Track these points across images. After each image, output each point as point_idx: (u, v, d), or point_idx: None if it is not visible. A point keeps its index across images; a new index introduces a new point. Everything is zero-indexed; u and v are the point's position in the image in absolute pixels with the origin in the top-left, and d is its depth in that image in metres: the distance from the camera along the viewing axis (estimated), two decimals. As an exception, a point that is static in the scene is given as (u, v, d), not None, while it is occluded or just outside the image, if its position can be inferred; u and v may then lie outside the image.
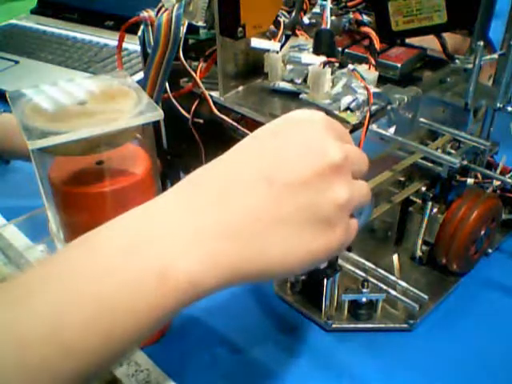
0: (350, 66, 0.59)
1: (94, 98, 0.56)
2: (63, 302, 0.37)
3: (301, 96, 0.61)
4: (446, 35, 0.69)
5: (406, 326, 0.66)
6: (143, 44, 0.67)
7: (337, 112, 0.58)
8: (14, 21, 1.55)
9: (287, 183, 0.42)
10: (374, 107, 0.59)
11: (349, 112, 0.58)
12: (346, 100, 0.58)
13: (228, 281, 0.41)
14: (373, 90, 0.59)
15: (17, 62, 1.32)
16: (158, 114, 0.54)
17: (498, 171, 0.76)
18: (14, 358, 0.35)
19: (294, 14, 0.67)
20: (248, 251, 0.41)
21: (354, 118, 0.57)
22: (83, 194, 0.54)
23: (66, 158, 0.57)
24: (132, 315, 0.38)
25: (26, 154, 0.51)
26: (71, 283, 0.38)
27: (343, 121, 0.57)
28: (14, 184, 0.92)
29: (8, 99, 0.55)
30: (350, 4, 0.69)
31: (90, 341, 0.37)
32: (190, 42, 0.70)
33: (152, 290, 0.38)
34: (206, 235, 0.40)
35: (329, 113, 0.58)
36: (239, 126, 0.63)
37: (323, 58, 0.61)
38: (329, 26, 0.64)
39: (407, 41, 0.69)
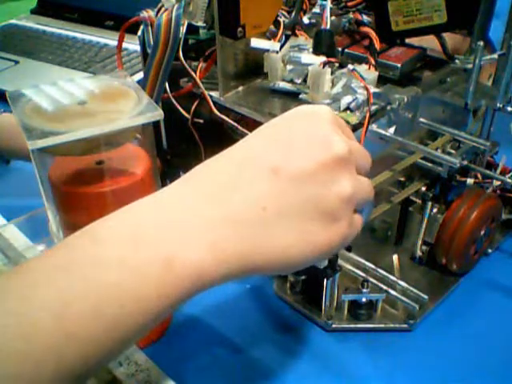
0: (350, 66, 0.59)
1: (93, 97, 0.56)
2: (69, 291, 0.37)
3: (300, 96, 0.61)
4: (446, 35, 0.69)
5: (405, 326, 0.66)
6: (143, 44, 0.67)
7: (336, 112, 0.58)
8: (13, 21, 1.54)
9: (292, 174, 0.43)
10: (373, 107, 0.59)
11: (348, 112, 0.58)
12: (345, 100, 0.58)
13: (232, 271, 0.41)
14: (373, 90, 0.59)
15: (17, 62, 1.32)
16: (157, 114, 0.53)
17: (498, 171, 0.76)
18: (19, 345, 0.35)
19: (293, 14, 0.67)
20: (253, 241, 0.42)
21: (353, 118, 0.57)
22: (83, 194, 0.54)
23: (66, 158, 0.57)
24: (137, 303, 0.38)
25: (26, 154, 0.51)
26: (76, 272, 0.38)
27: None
28: (14, 184, 0.91)
29: (8, 99, 0.55)
30: (349, 4, 0.69)
31: (95, 329, 0.37)
32: (190, 42, 0.70)
33: (158, 278, 0.39)
34: (212, 224, 0.41)
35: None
36: (239, 126, 0.63)
37: (323, 58, 0.61)
38: (329, 26, 0.64)
39: (407, 41, 0.69)
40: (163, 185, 0.44)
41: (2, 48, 1.38)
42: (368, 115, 0.56)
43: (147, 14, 0.65)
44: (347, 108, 0.58)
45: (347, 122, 0.57)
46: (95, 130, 0.50)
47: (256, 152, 0.44)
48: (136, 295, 0.38)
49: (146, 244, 0.39)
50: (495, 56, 0.65)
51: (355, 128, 0.57)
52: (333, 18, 0.72)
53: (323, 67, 0.59)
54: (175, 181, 0.44)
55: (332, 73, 0.60)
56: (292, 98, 0.62)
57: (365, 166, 0.49)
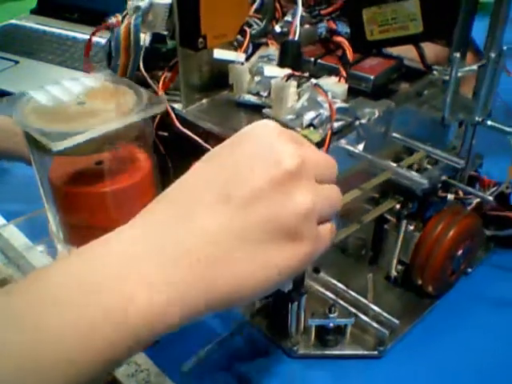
0: (313, 80, 0.54)
1: (95, 96, 0.55)
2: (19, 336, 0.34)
3: (264, 110, 0.56)
4: (428, 45, 0.65)
5: (375, 352, 0.62)
6: (109, 51, 0.64)
7: (299, 129, 0.53)
8: (13, 21, 1.52)
9: (243, 198, 0.39)
10: (339, 123, 0.55)
11: (311, 128, 0.54)
12: (308, 116, 0.53)
13: (193, 310, 0.38)
14: (339, 104, 0.54)
15: (17, 62, 1.29)
16: (162, 106, 0.54)
17: (483, 185, 0.72)
18: None
19: (264, 22, 0.63)
20: (208, 276, 0.38)
21: (316, 136, 0.53)
22: (83, 194, 0.54)
23: (66, 159, 0.56)
24: (91, 352, 0.35)
25: (19, 155, 0.49)
26: (40, 315, 0.35)
27: (305, 138, 0.53)
28: (14, 184, 0.89)
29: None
30: (323, 12, 0.65)
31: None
32: (163, 50, 0.67)
33: (115, 324, 0.36)
34: (165, 265, 0.38)
35: (291, 129, 0.54)
36: (202, 142, 0.59)
37: (288, 71, 0.56)
38: (297, 37, 0.60)
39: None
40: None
41: (2, 48, 1.36)
42: (329, 133, 0.52)
43: (115, 19, 0.63)
44: (310, 124, 0.54)
45: (309, 140, 0.53)
46: (110, 125, 0.50)
47: (204, 182, 0.41)
48: (85, 343, 0.35)
49: (100, 290, 0.36)
50: (474, 67, 0.61)
51: (319, 145, 0.53)
52: (307, 26, 0.68)
53: (286, 81, 0.55)
54: (130, 221, 0.41)
55: (299, 85, 0.56)
56: (258, 111, 0.58)
57: (327, 172, 0.46)
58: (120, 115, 0.51)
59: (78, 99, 0.54)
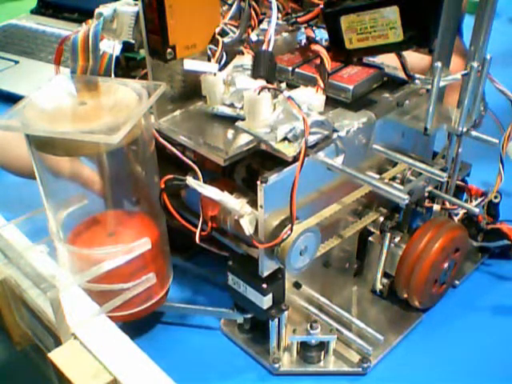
0: (286, 93, 0.49)
1: (92, 95, 0.53)
2: None
3: (237, 124, 0.51)
4: (414, 53, 0.60)
5: (359, 369, 0.57)
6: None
7: (273, 143, 0.48)
8: (13, 21, 1.46)
9: None
10: (316, 136, 0.50)
11: (286, 143, 0.48)
12: (282, 130, 0.48)
13: None
14: (315, 117, 0.49)
15: (17, 62, 1.25)
16: (163, 87, 0.52)
17: (470, 195, 0.67)
18: None
19: (238, 30, 0.57)
20: None
21: (291, 150, 0.48)
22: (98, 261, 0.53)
23: (83, 231, 0.58)
24: None
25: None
26: None
27: (279, 153, 0.48)
28: (14, 184, 0.84)
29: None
30: (300, 20, 0.59)
31: None
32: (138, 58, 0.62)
33: None
34: None
35: (265, 143, 0.49)
36: (180, 155, 0.54)
37: (261, 83, 0.51)
38: (271, 47, 0.54)
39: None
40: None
41: (1, 48, 1.31)
42: (304, 147, 0.47)
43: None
44: (285, 138, 0.48)
45: (283, 155, 0.48)
46: (139, 110, 0.48)
47: None
48: None
49: None
50: (458, 76, 0.55)
51: (294, 160, 0.47)
52: (285, 34, 0.63)
53: (259, 93, 0.49)
54: None
55: (275, 96, 0.51)
56: (233, 123, 0.52)
57: None
58: (128, 107, 0.49)
59: (79, 100, 0.52)
